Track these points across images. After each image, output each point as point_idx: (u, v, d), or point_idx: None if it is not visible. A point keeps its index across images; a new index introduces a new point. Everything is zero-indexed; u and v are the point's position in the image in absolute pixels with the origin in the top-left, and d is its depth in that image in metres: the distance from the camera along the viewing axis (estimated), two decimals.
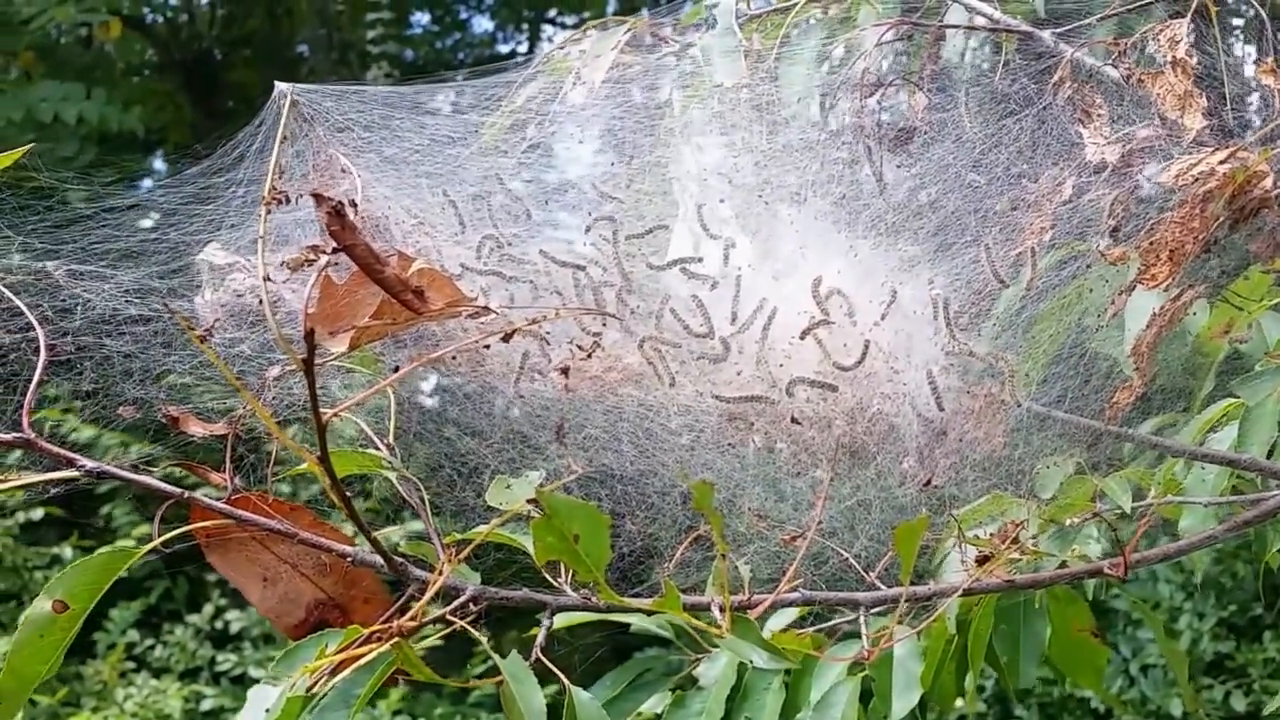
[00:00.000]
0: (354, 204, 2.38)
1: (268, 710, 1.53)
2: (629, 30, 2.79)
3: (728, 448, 2.21)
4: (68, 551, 9.00)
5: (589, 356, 2.02)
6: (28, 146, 1.98)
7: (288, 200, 1.63)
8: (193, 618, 9.59)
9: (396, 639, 1.67)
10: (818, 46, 2.58)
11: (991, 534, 2.11)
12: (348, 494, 1.72)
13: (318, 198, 1.61)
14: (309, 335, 1.56)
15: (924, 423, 2.20)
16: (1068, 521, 2.32)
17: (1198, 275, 2.37)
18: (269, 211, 1.60)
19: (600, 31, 2.83)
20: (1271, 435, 2.55)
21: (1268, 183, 2.14)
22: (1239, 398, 2.52)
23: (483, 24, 15.49)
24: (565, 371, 2.02)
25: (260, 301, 2.28)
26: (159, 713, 8.53)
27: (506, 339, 1.66)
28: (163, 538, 1.91)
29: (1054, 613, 3.00)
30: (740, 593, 1.99)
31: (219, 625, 9.45)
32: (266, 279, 1.56)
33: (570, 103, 2.67)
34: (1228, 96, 2.36)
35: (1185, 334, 2.77)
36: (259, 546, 2.05)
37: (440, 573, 1.72)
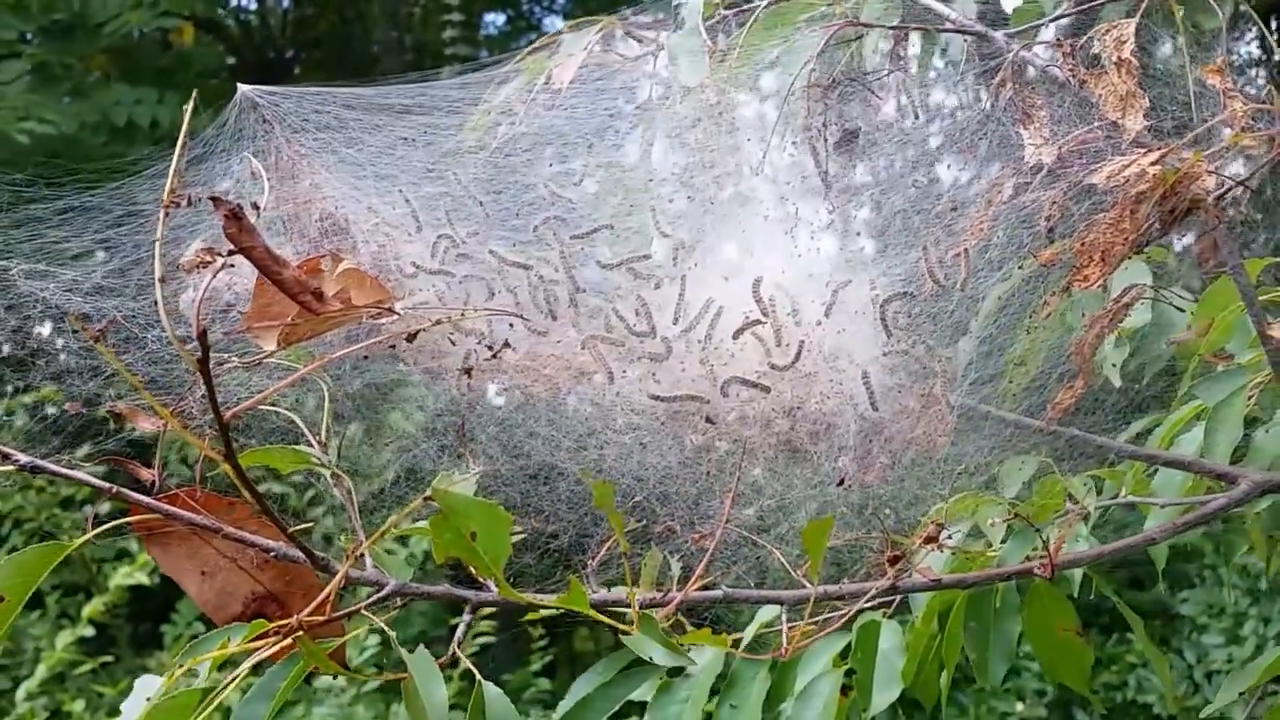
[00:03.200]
0: (309, 202, 2.45)
1: (148, 699, 1.58)
2: (601, 30, 2.82)
3: (670, 446, 2.23)
4: (133, 545, 9.18)
5: (494, 356, 2.05)
6: None
7: (189, 203, 1.67)
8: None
9: (298, 633, 1.71)
10: (779, 45, 2.58)
11: (927, 532, 2.11)
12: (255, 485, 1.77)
13: (215, 200, 1.65)
14: (201, 336, 1.61)
15: (862, 422, 2.20)
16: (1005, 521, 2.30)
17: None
18: (168, 214, 1.64)
19: (574, 32, 2.85)
20: (1237, 436, 2.53)
21: (1210, 182, 2.12)
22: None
23: (556, 24, 15.60)
24: (468, 372, 2.05)
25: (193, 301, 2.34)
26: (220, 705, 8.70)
27: (410, 339, 1.69)
28: (95, 531, 1.98)
29: (1036, 612, 2.98)
30: (667, 587, 2.02)
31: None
32: (162, 280, 1.61)
33: (540, 102, 2.71)
34: (1193, 96, 2.33)
35: (1166, 335, 2.76)
36: (199, 541, 2.10)
37: (344, 567, 1.75)
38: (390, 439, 2.41)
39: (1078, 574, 3.13)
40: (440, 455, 2.42)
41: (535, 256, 2.36)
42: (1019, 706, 8.94)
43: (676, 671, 2.79)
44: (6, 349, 2.43)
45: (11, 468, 1.94)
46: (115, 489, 1.96)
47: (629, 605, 1.87)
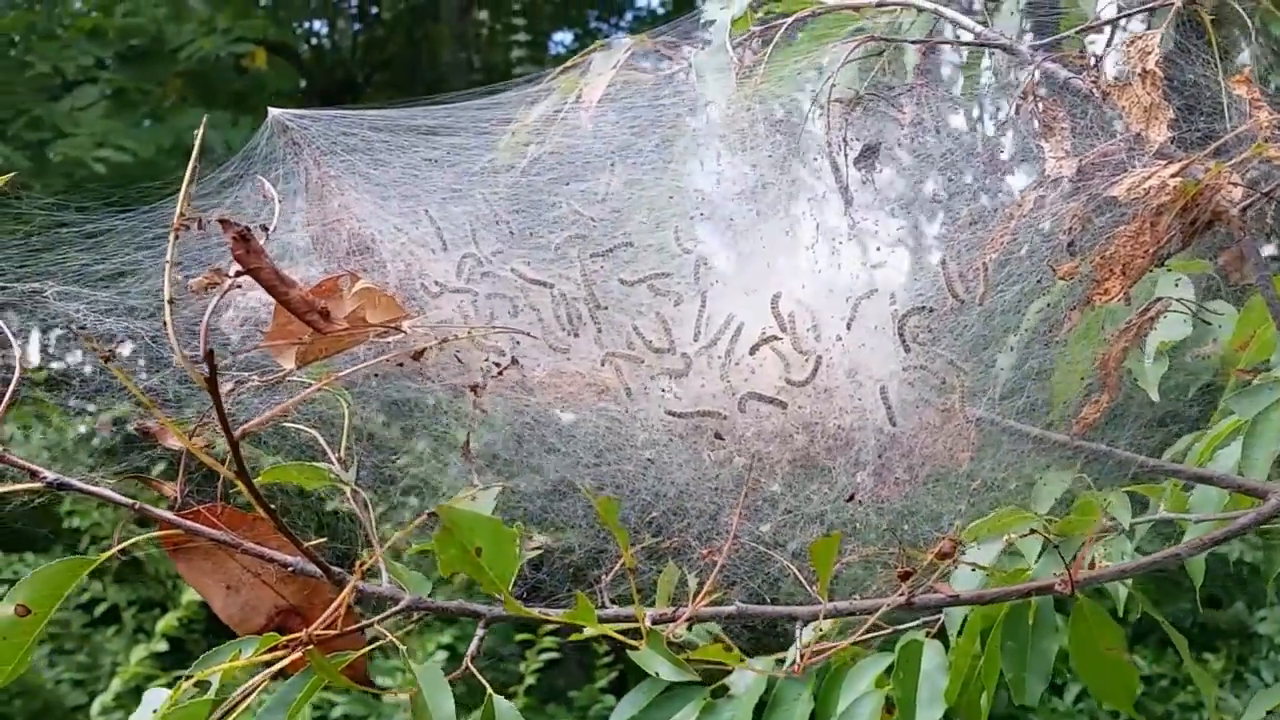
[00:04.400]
0: (338, 222, 2.49)
1: (155, 710, 1.61)
2: (629, 50, 2.83)
3: (687, 461, 2.23)
4: None
5: (500, 374, 2.07)
6: (9, 175, 2.11)
7: (200, 225, 1.71)
8: None
9: (308, 646, 1.74)
10: (804, 60, 2.59)
11: (944, 547, 2.09)
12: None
13: (224, 223, 1.69)
14: (208, 355, 1.64)
15: (881, 436, 2.20)
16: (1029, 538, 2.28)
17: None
18: (177, 236, 1.68)
19: (604, 51, 2.88)
20: (1275, 450, 2.49)
21: (1236, 194, 2.09)
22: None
23: (624, 42, 15.63)
24: (475, 389, 2.07)
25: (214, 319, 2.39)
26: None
27: (417, 357, 1.72)
28: (120, 545, 2.02)
29: (1080, 632, 2.95)
30: (684, 603, 2.03)
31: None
32: (171, 301, 1.64)
33: (569, 121, 2.73)
34: (1226, 107, 2.31)
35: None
36: (224, 555, 2.14)
37: (353, 581, 1.78)
38: (448, 457, 2.43)
39: (1122, 592, 3.10)
40: (496, 470, 2.43)
41: (557, 274, 2.39)
42: None
43: (720, 692, 2.80)
44: (89, 369, 2.51)
45: (39, 485, 1.99)
46: (138, 505, 2.00)
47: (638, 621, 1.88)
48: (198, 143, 1.73)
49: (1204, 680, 3.06)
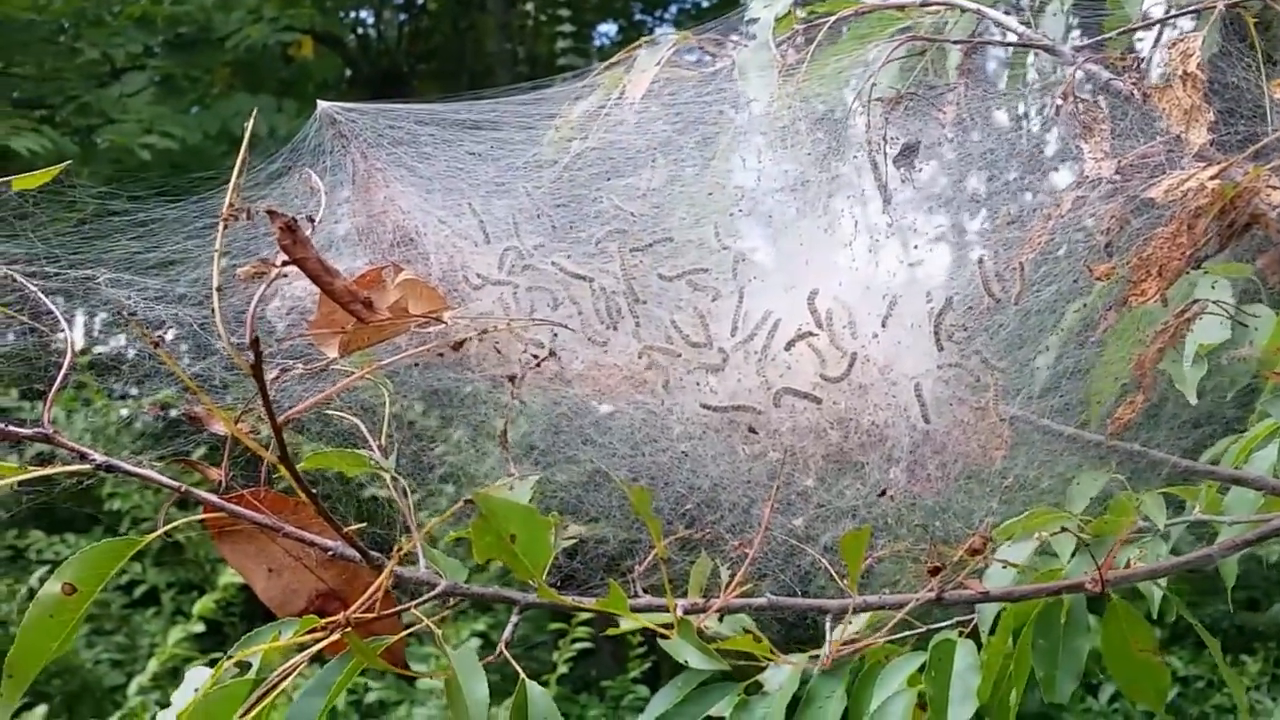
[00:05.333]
0: (384, 214, 2.52)
1: (196, 689, 1.65)
2: (674, 46, 2.86)
3: (722, 454, 2.26)
4: None
5: (538, 365, 2.10)
6: (64, 164, 2.16)
7: (249, 216, 1.74)
8: None
9: (346, 629, 1.78)
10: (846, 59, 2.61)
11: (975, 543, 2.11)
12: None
13: (271, 214, 1.73)
14: (254, 343, 1.68)
15: (915, 433, 2.22)
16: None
17: None
18: (226, 226, 1.72)
19: (649, 47, 2.90)
20: None
21: (1276, 197, 2.10)
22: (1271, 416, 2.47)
23: (669, 34, 15.63)
24: (513, 379, 2.10)
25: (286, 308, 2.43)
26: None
27: (456, 348, 1.75)
28: (165, 528, 2.07)
29: (1112, 632, 2.96)
30: (716, 594, 2.05)
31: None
32: (219, 290, 1.68)
33: (613, 119, 2.76)
34: (1269, 111, 2.31)
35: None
36: (266, 539, 2.18)
37: (390, 565, 1.82)
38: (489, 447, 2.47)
39: (1156, 593, 3.11)
40: (541, 460, 2.46)
41: (597, 268, 2.41)
42: None
43: (755, 688, 2.82)
44: (133, 354, 2.55)
45: (88, 466, 2.03)
46: (184, 488, 2.04)
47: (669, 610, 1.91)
48: (247, 135, 1.76)
49: (1235, 682, 3.06)
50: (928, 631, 2.72)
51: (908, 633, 2.82)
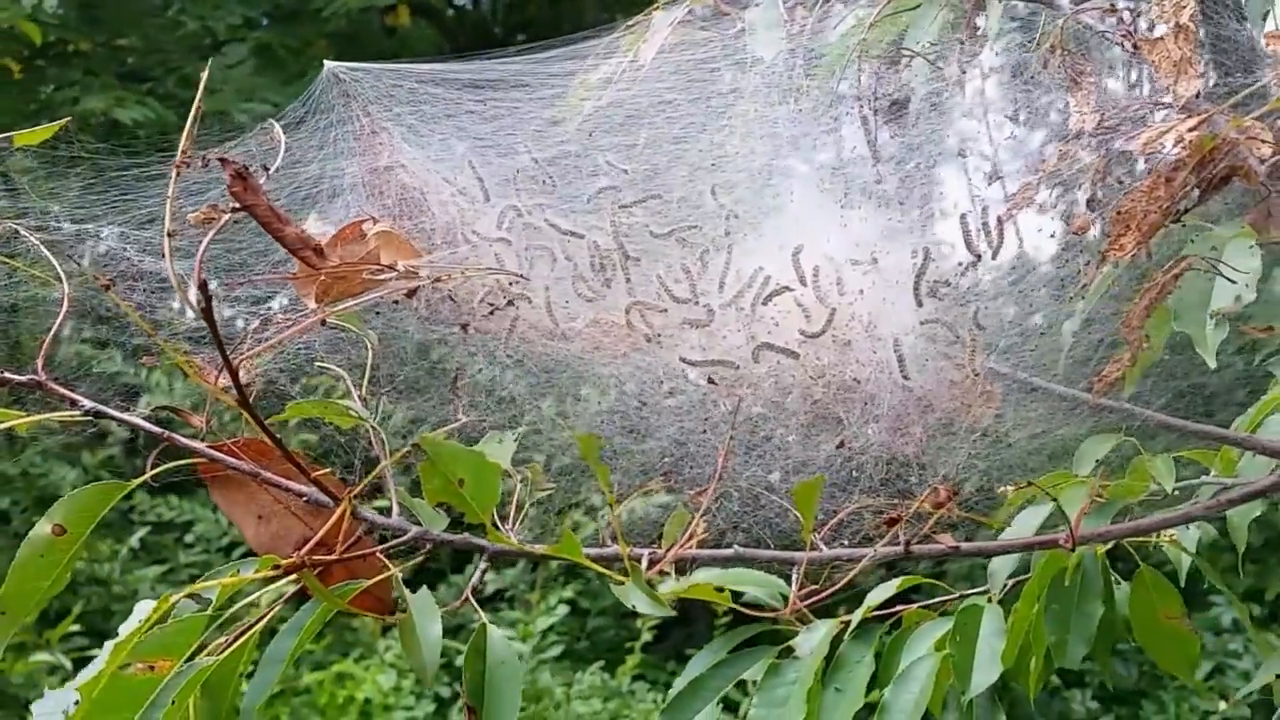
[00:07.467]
0: (387, 170, 2.57)
1: (141, 620, 1.70)
2: (689, 6, 2.86)
3: (700, 409, 2.28)
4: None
5: (493, 312, 2.13)
6: (64, 120, 2.24)
7: (204, 164, 1.79)
8: (456, 578, 10.06)
9: (302, 569, 1.82)
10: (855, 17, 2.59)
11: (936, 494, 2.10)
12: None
13: (222, 161, 1.78)
14: (202, 285, 1.73)
15: (897, 390, 2.21)
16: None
17: None
18: (178, 174, 1.77)
19: (665, 10, 2.91)
20: None
21: (1265, 150, 2.05)
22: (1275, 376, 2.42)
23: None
24: (465, 327, 2.13)
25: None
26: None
27: (410, 295, 1.79)
28: (152, 473, 2.13)
29: (1140, 599, 2.93)
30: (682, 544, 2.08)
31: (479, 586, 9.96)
32: (170, 235, 1.74)
33: (624, 79, 2.77)
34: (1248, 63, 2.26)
35: None
36: (256, 487, 2.25)
37: (345, 501, 1.86)
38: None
39: (1186, 561, 3.07)
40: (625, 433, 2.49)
41: (593, 226, 2.44)
42: (1222, 705, 8.64)
43: (786, 653, 2.84)
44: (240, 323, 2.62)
45: (78, 413, 2.11)
46: (167, 435, 2.11)
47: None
48: (202, 85, 1.81)
49: (1268, 651, 3.02)
50: (960, 598, 2.72)
51: (941, 598, 2.82)
